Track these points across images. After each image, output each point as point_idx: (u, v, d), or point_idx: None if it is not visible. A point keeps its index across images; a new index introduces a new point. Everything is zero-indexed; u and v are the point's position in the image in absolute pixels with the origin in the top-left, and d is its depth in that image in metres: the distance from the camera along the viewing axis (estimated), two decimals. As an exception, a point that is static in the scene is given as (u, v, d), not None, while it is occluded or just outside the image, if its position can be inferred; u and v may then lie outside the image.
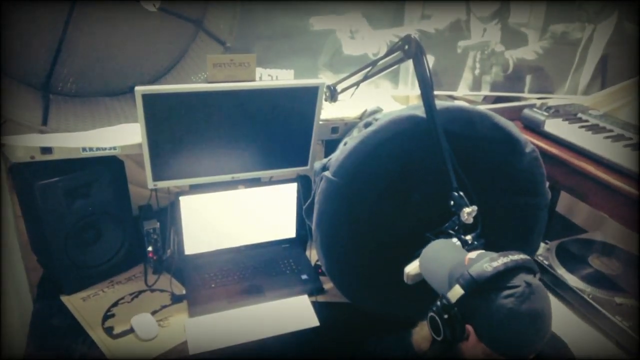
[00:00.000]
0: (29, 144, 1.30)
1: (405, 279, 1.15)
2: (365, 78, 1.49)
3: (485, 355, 0.91)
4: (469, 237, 1.17)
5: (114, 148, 1.37)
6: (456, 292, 0.91)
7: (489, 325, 0.89)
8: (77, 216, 1.41)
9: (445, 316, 0.92)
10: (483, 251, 0.99)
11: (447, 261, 1.00)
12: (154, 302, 1.49)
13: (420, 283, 1.14)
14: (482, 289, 0.89)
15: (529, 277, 0.90)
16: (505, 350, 0.89)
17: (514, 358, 0.90)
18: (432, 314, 0.94)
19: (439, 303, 0.94)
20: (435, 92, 1.59)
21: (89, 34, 1.38)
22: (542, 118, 1.67)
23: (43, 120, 1.36)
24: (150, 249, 1.56)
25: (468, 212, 1.17)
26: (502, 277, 0.89)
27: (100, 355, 1.30)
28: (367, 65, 1.47)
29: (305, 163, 1.58)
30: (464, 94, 1.98)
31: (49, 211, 1.34)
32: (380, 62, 1.42)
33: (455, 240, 1.16)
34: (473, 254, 0.98)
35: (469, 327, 0.91)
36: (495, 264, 0.90)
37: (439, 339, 0.94)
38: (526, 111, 1.74)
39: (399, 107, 1.68)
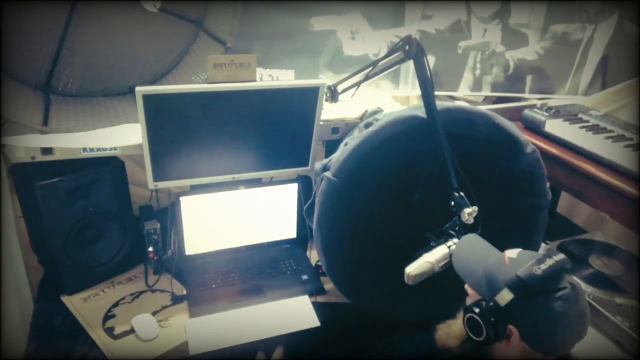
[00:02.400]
0: (30, 144, 1.30)
1: (405, 279, 1.15)
2: (366, 78, 1.49)
3: (524, 352, 0.92)
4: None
5: (115, 148, 1.37)
6: (506, 296, 0.90)
7: (538, 327, 0.89)
8: (78, 216, 1.41)
9: (492, 319, 0.91)
10: (521, 250, 0.99)
11: (483, 258, 1.00)
12: (154, 303, 1.49)
13: (421, 284, 1.14)
14: (531, 291, 0.89)
15: (571, 278, 0.92)
16: (549, 349, 0.91)
17: (555, 355, 0.92)
18: (472, 315, 0.93)
19: (484, 304, 0.93)
20: (436, 93, 1.59)
21: (89, 35, 1.38)
22: (543, 118, 1.67)
23: (43, 121, 1.36)
24: (150, 249, 1.56)
25: (469, 213, 1.17)
26: (550, 279, 0.90)
27: (100, 356, 1.30)
28: (368, 66, 1.47)
29: (305, 163, 1.58)
30: (464, 94, 1.98)
31: (49, 211, 1.35)
32: (381, 62, 1.42)
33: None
34: (512, 253, 0.97)
35: (510, 327, 0.91)
36: (543, 266, 0.90)
37: (479, 339, 0.93)
38: (527, 111, 1.74)
39: (399, 107, 1.68)
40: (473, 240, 1.10)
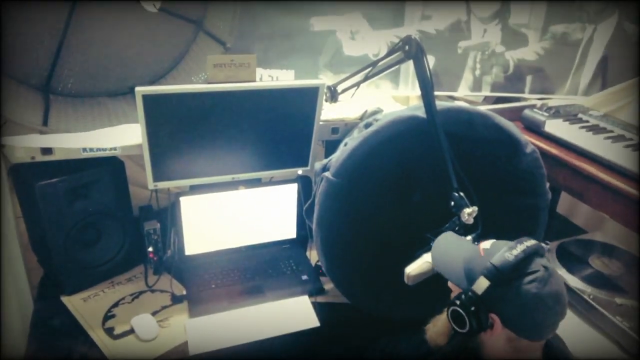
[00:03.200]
0: (30, 144, 1.30)
1: (405, 279, 1.15)
2: (366, 78, 1.49)
3: (509, 340, 0.94)
4: (469, 238, 1.18)
5: (115, 149, 1.37)
6: (482, 284, 0.93)
7: (517, 311, 0.92)
8: (78, 217, 1.41)
9: (472, 308, 0.93)
10: (494, 240, 1.01)
11: (460, 253, 1.03)
12: (154, 303, 1.49)
13: (421, 284, 1.14)
14: (506, 277, 0.91)
15: (544, 261, 0.94)
16: (531, 333, 0.94)
17: (539, 339, 0.95)
18: (455, 307, 0.96)
19: (463, 296, 0.95)
20: (436, 93, 1.59)
21: (89, 35, 1.38)
22: (543, 119, 1.67)
23: (43, 121, 1.36)
24: (150, 249, 1.56)
25: (468, 213, 1.17)
26: (523, 264, 0.92)
27: (100, 356, 1.30)
28: (368, 66, 1.47)
29: (305, 164, 1.58)
30: (464, 94, 1.98)
31: (49, 212, 1.35)
32: (381, 62, 1.42)
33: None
34: (486, 244, 1.00)
35: (492, 316, 0.93)
36: (515, 252, 0.93)
37: (463, 331, 0.96)
38: (526, 112, 1.74)
39: (399, 107, 1.68)
40: (448, 238, 1.13)
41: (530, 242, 0.95)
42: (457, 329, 0.98)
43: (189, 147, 1.39)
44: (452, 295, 1.04)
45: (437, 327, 1.06)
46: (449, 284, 1.06)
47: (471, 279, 0.96)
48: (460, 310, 0.95)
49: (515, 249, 0.93)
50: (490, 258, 0.93)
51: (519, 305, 0.91)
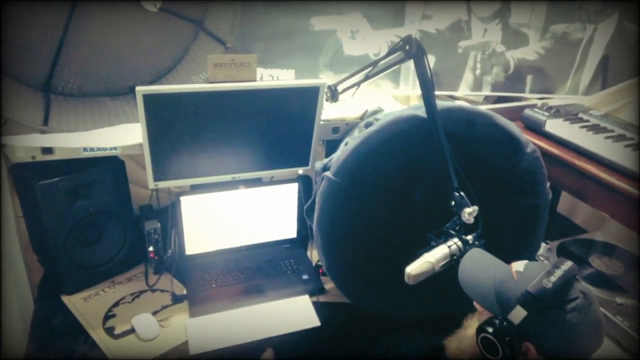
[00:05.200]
0: (30, 144, 1.30)
1: (406, 279, 1.14)
2: (366, 78, 1.49)
3: None
4: (469, 237, 1.17)
5: (115, 148, 1.37)
6: (519, 313, 0.88)
7: (555, 342, 0.88)
8: (78, 216, 1.41)
9: (507, 338, 0.89)
10: (527, 262, 0.97)
11: (489, 275, 0.98)
12: (154, 302, 1.49)
13: (421, 284, 1.14)
14: (544, 306, 0.88)
15: (582, 286, 0.90)
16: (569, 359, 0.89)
17: None
18: (486, 335, 0.91)
19: (497, 323, 0.91)
20: (436, 92, 1.59)
21: (89, 34, 1.38)
22: (543, 118, 1.67)
23: (44, 121, 1.36)
24: (151, 249, 1.56)
25: (469, 212, 1.17)
26: (562, 291, 0.88)
27: (101, 356, 1.30)
28: (368, 66, 1.47)
29: (306, 163, 1.58)
30: (464, 94, 1.98)
31: (49, 211, 1.34)
32: (381, 62, 1.42)
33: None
34: (519, 266, 0.96)
35: (526, 343, 0.89)
36: (553, 279, 0.88)
37: (495, 359, 0.91)
38: (527, 111, 1.74)
39: (399, 107, 1.68)
40: (477, 256, 1.08)
41: (568, 266, 0.90)
42: (488, 356, 0.93)
43: (189, 146, 1.39)
44: (480, 317, 0.99)
45: (463, 344, 1.03)
46: (475, 303, 1.02)
47: (504, 305, 0.91)
48: (494, 339, 0.90)
49: (553, 274, 0.88)
50: (526, 283, 0.89)
51: (557, 335, 0.87)
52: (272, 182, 1.67)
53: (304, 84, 1.43)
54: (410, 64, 1.28)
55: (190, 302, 1.47)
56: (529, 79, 1.99)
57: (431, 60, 1.86)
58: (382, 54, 1.47)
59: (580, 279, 0.93)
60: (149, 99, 1.26)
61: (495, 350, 0.90)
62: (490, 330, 0.91)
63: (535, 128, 1.69)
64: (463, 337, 1.03)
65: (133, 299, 1.49)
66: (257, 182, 1.63)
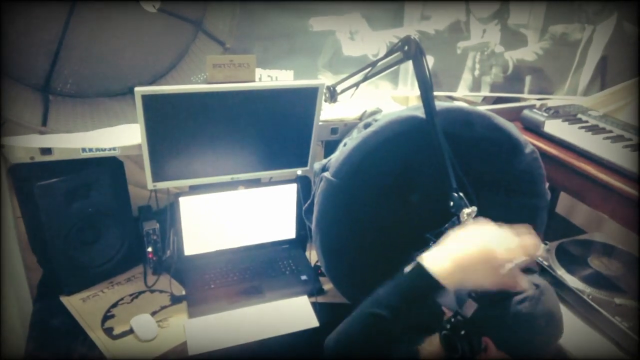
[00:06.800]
0: (29, 144, 1.30)
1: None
2: (365, 79, 1.49)
3: None
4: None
5: (114, 149, 1.37)
6: (470, 307, 0.90)
7: (509, 333, 0.88)
8: (77, 217, 1.41)
9: (462, 332, 0.90)
10: None
11: None
12: (153, 303, 1.49)
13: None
14: (494, 298, 0.88)
15: (535, 278, 0.91)
16: (526, 353, 0.90)
17: (538, 357, 0.91)
18: (445, 332, 0.92)
19: (452, 320, 0.92)
20: (435, 93, 1.60)
21: (88, 35, 1.38)
22: (542, 119, 1.67)
23: (43, 121, 1.36)
24: (149, 249, 1.56)
25: (468, 213, 1.17)
26: None
27: (99, 356, 1.30)
28: (367, 66, 1.47)
29: (305, 164, 1.58)
30: (463, 94, 1.98)
31: (48, 212, 1.35)
32: (380, 62, 1.42)
33: None
34: None
35: (485, 338, 0.90)
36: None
37: (456, 356, 0.92)
38: (526, 112, 1.74)
39: (398, 107, 1.68)
40: None
41: (519, 260, 0.91)
42: (450, 353, 0.94)
43: (188, 147, 1.39)
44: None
45: (433, 346, 1.03)
46: (443, 308, 1.01)
47: (459, 299, 0.93)
48: (451, 334, 0.91)
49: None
50: None
51: (510, 327, 0.88)
52: (271, 182, 1.68)
53: (302, 85, 1.43)
54: (409, 64, 1.28)
55: (189, 303, 1.47)
56: (528, 79, 1.99)
57: (430, 60, 1.86)
58: (381, 54, 1.47)
59: (536, 270, 0.94)
60: (148, 99, 1.26)
61: (455, 347, 0.91)
62: (447, 326, 0.92)
63: (534, 129, 1.69)
64: (432, 340, 1.03)
65: (132, 300, 1.50)
66: (256, 183, 1.63)
